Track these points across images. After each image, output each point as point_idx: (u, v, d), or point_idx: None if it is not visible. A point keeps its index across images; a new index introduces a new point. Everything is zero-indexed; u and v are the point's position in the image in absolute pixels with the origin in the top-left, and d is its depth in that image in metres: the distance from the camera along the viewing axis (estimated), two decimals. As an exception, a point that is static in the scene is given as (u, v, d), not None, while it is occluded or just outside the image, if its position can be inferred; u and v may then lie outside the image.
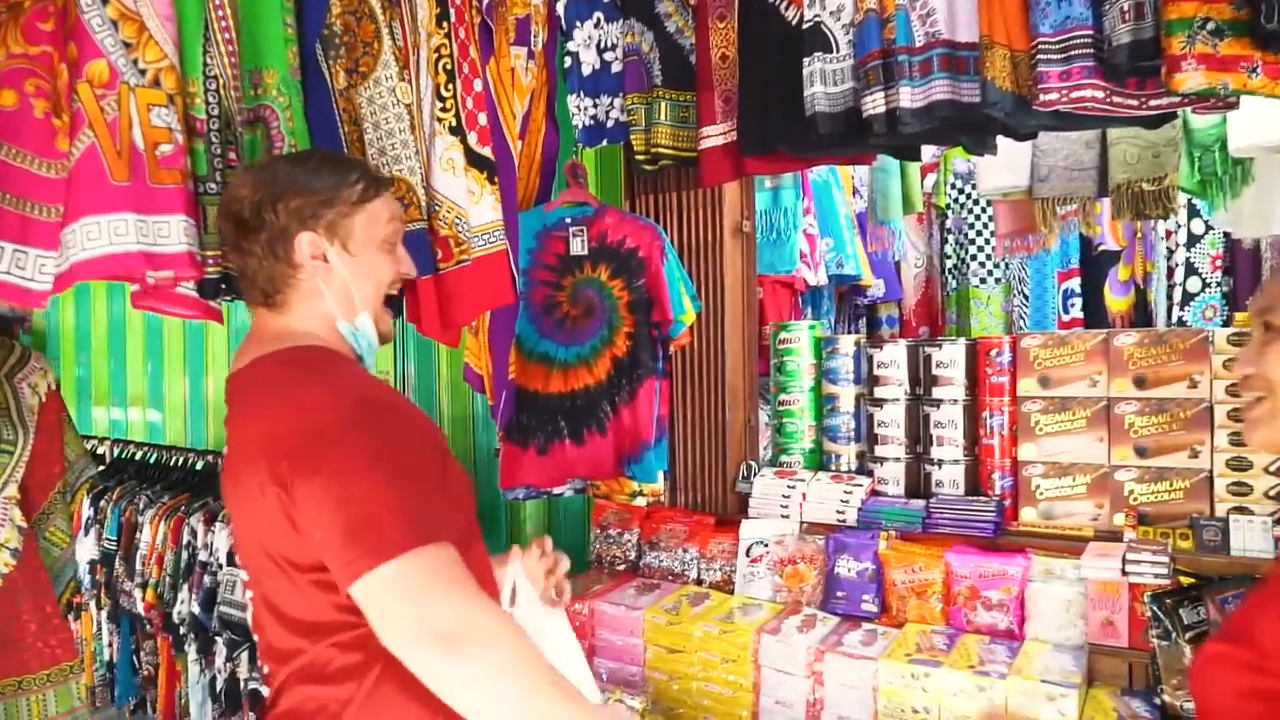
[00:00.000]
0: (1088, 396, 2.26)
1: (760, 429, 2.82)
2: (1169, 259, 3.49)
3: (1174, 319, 3.46)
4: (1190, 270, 3.43)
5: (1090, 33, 1.87)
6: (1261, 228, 2.59)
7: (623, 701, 2.13)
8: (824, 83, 2.12)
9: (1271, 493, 2.06)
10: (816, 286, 3.29)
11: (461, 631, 1.03)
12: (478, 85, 2.14)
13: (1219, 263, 3.42)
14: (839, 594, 2.31)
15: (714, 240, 2.62)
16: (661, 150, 2.41)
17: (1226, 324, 3.23)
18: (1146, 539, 2.11)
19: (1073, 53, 1.88)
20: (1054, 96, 1.90)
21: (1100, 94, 1.90)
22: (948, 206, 3.97)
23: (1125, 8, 1.80)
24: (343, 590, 1.08)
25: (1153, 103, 1.95)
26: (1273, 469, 2.07)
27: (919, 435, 2.49)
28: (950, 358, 2.44)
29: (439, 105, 2.04)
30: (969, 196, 3.89)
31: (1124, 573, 2.00)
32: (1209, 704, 0.84)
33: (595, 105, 2.55)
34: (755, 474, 2.60)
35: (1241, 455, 2.09)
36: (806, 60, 2.13)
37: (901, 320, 4.00)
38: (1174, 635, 1.88)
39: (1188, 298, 3.43)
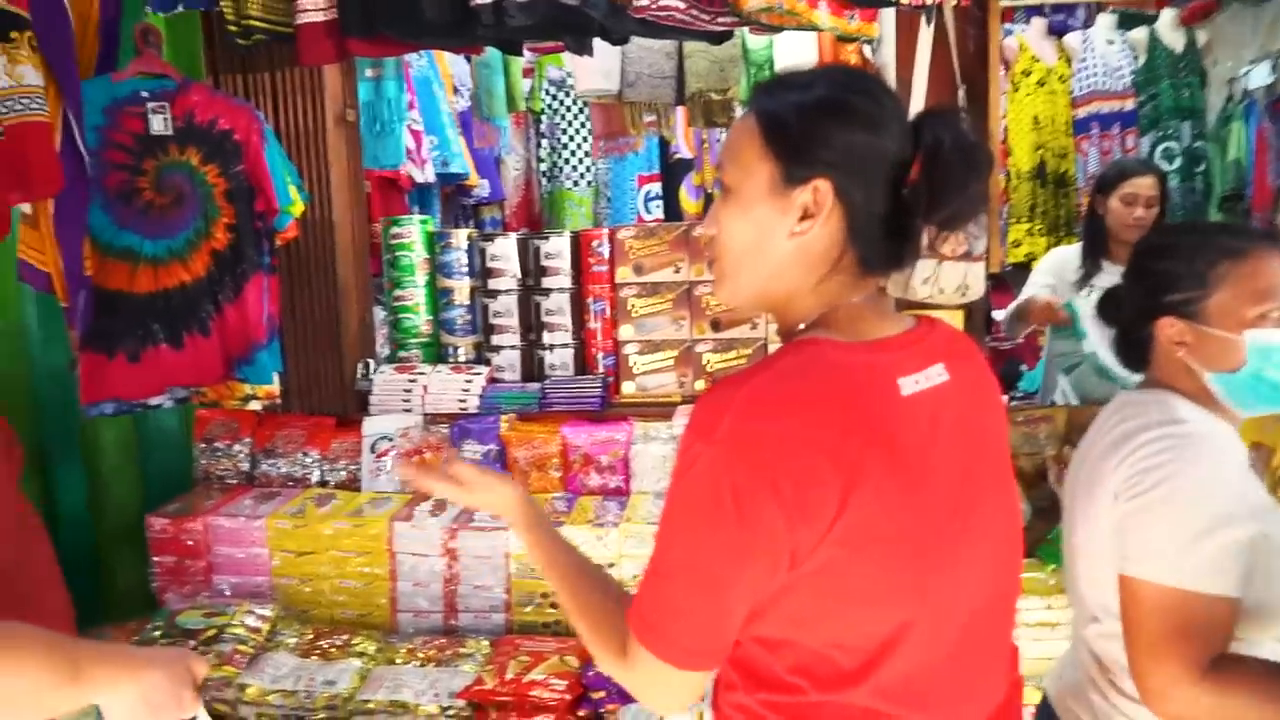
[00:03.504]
0: (673, 281, 2.59)
1: (375, 326, 2.78)
2: (728, 168, 4.03)
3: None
4: (743, 178, 4.01)
5: (673, -53, 2.09)
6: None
7: (253, 612, 2.04)
8: (431, -34, 2.09)
9: (807, 354, 2.57)
10: (424, 184, 3.27)
11: None
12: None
13: (764, 172, 4.03)
14: (466, 477, 2.42)
15: (316, 129, 2.47)
16: (254, 23, 2.19)
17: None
18: (720, 399, 2.51)
19: (660, -35, 2.08)
20: (645, 3, 2.09)
21: (682, 5, 2.14)
22: (542, 111, 4.14)
23: (702, -71, 2.03)
24: None
25: (720, 19, 2.23)
26: (808, 335, 2.57)
27: (531, 323, 2.65)
28: (557, 249, 2.62)
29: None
30: (562, 103, 4.10)
31: (705, 427, 2.37)
32: None
33: (167, -38, 2.23)
34: (374, 371, 2.57)
35: (787, 325, 2.57)
36: (412, -59, 2.08)
37: (504, 221, 4.14)
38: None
39: (742, 202, 4.01)
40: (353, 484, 2.45)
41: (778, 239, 0.86)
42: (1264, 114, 3.71)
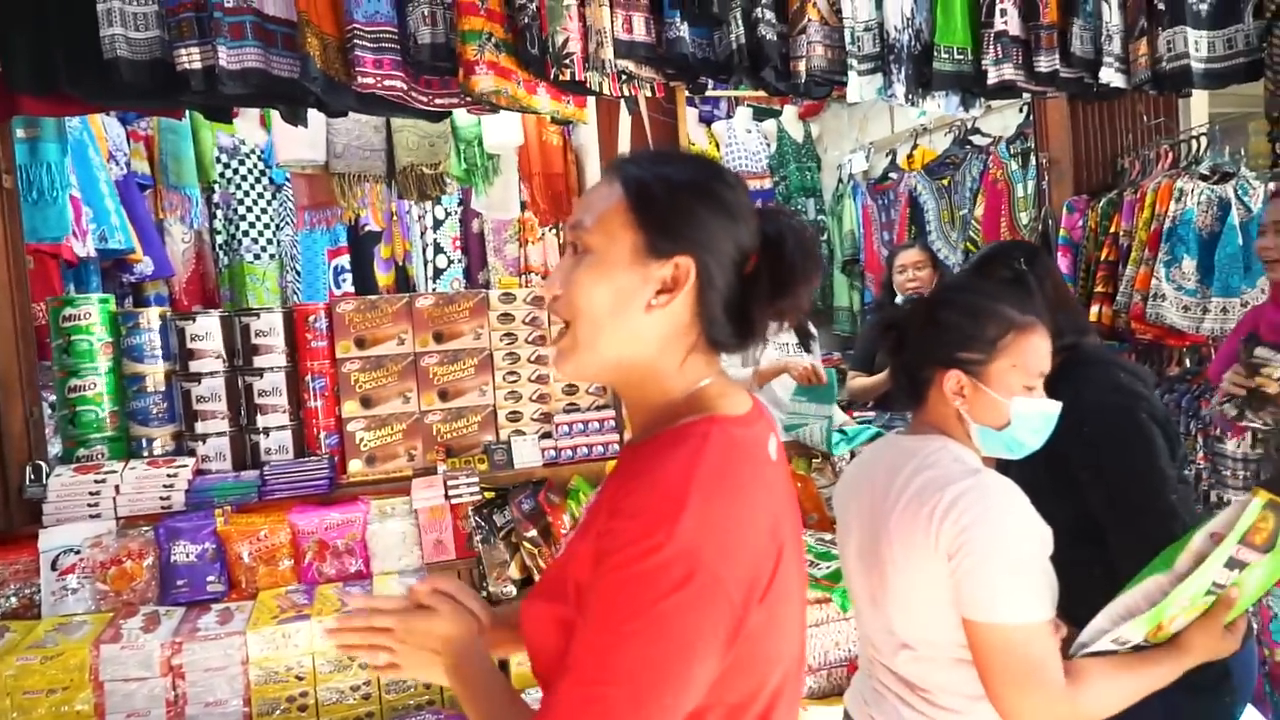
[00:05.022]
0: (398, 353, 2.55)
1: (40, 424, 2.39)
2: (422, 239, 4.04)
3: (430, 290, 4.03)
4: (438, 249, 4.05)
5: (394, 30, 2.12)
6: (505, 210, 3.25)
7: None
8: (124, 25, 1.93)
9: (536, 416, 2.66)
10: (85, 259, 2.89)
11: None
12: None
13: (458, 243, 4.10)
14: (179, 583, 2.16)
15: (-37, 195, 2.12)
16: (-119, 71, 1.85)
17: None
18: (455, 467, 2.51)
19: (383, 44, 2.11)
20: (370, 81, 2.10)
21: (403, 85, 2.17)
22: (214, 181, 3.85)
23: (425, 13, 2.10)
24: None
25: (438, 100, 2.30)
26: (535, 397, 2.66)
27: (241, 406, 2.45)
28: (269, 326, 2.47)
29: None
30: (236, 171, 3.84)
31: (447, 497, 2.36)
32: (536, 651, 0.88)
33: None
34: (49, 475, 2.21)
35: (515, 390, 2.64)
36: (100, -4, 1.90)
37: (172, 299, 3.75)
38: (493, 538, 2.31)
39: (438, 272, 4.04)
40: (29, 611, 2.07)
41: (635, 310, 0.87)
42: (866, 194, 4.55)
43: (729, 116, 4.75)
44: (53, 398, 2.39)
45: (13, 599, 2.07)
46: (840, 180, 4.78)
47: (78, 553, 2.11)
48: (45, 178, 2.52)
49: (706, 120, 4.72)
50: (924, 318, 1.30)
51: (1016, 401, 1.24)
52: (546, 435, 2.63)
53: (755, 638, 0.82)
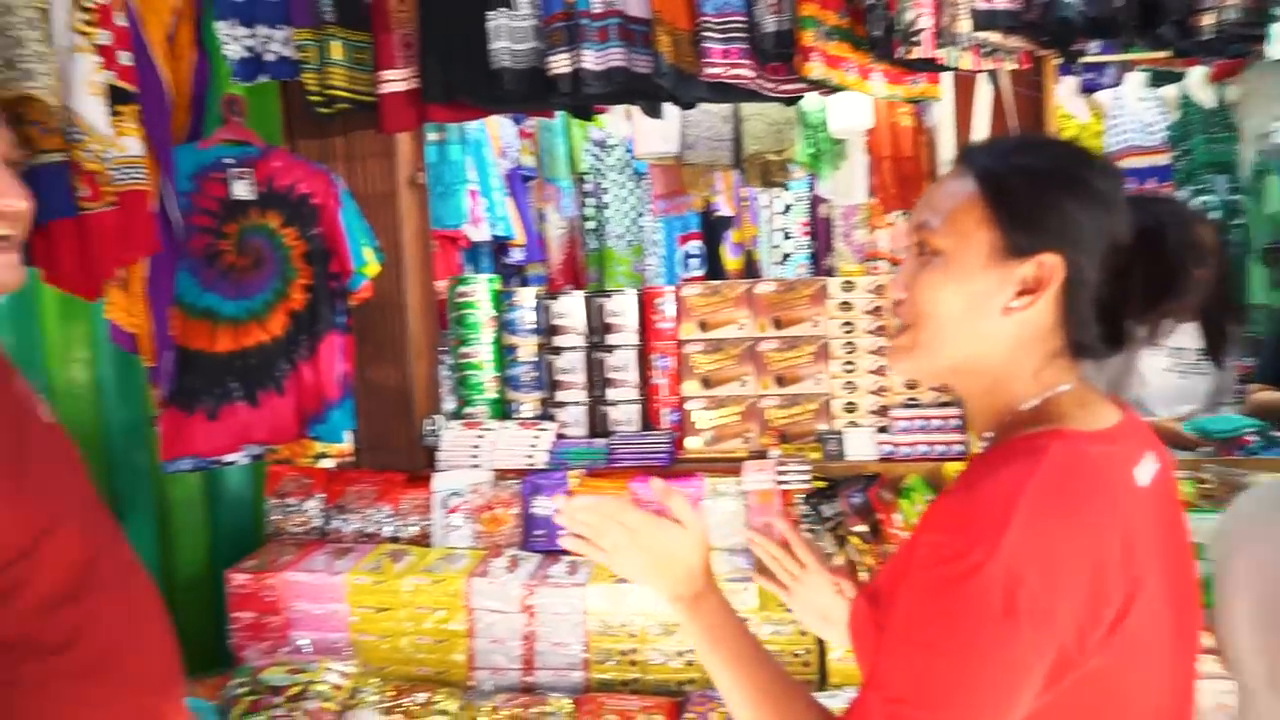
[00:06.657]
0: (736, 338, 2.62)
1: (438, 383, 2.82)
2: (770, 224, 4.11)
3: (776, 275, 4.09)
4: (786, 235, 4.09)
5: (743, 18, 2.16)
6: (850, 196, 3.20)
7: (332, 669, 2.03)
8: (509, 39, 2.18)
9: (874, 409, 2.58)
10: (479, 243, 3.33)
11: None
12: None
13: (805, 228, 4.11)
14: (537, 533, 2.43)
15: (389, 191, 2.54)
16: (338, 92, 2.28)
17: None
18: (788, 453, 2.52)
19: (731, 34, 2.16)
20: (718, 70, 2.16)
21: (751, 73, 2.21)
22: (585, 172, 4.23)
23: (771, 1, 2.11)
24: None
25: (784, 86, 2.30)
26: (873, 389, 2.58)
27: (595, 379, 2.69)
28: (621, 307, 2.66)
29: (80, 16, 1.73)
30: (604, 162, 4.19)
31: (778, 482, 2.38)
32: (856, 651, 0.90)
33: (252, 35, 2.32)
34: (442, 427, 2.60)
35: (851, 381, 2.59)
36: (490, 15, 2.17)
37: (550, 279, 4.20)
38: (819, 528, 2.30)
39: (785, 257, 4.08)
40: (423, 540, 2.46)
41: (990, 313, 0.81)
42: (1299, 167, 3.76)
43: (1116, 84, 4.19)
44: (449, 361, 2.79)
45: (414, 528, 2.46)
46: (1262, 153, 4.00)
47: (461, 495, 2.46)
48: (449, 174, 2.96)
49: (1090, 89, 4.22)
50: None
51: None
52: (883, 429, 2.55)
53: (1097, 681, 0.73)
